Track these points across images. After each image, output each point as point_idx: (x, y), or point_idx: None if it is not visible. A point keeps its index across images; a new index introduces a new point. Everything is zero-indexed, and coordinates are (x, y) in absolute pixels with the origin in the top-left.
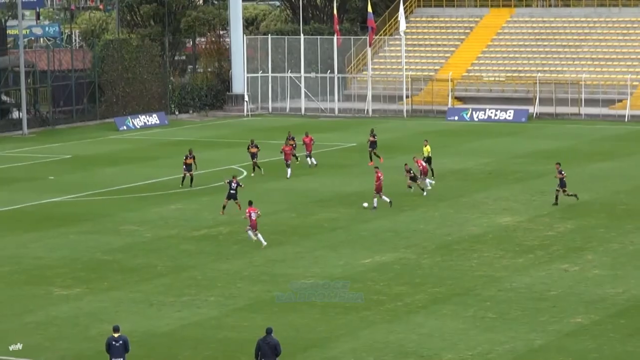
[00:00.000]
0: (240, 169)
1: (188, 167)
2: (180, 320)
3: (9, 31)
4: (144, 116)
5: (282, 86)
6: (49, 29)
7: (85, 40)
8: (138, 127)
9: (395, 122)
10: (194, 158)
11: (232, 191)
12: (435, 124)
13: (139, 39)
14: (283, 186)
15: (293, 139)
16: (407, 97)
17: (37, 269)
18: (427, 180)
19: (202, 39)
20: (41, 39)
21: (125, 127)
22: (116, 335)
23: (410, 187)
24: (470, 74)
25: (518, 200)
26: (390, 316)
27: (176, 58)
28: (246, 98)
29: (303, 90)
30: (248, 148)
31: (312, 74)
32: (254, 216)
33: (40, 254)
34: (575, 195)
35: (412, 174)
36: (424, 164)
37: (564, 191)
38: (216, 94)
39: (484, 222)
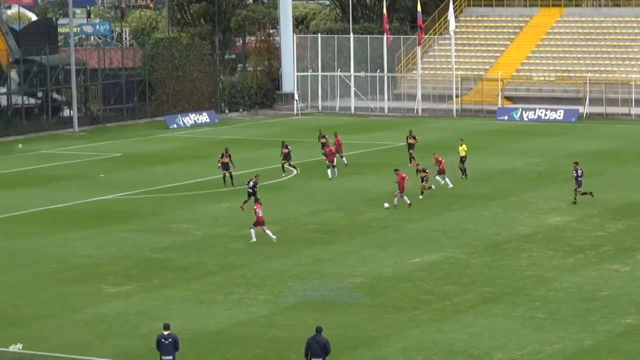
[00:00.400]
0: (291, 168)
1: (225, 166)
2: (230, 319)
3: (60, 29)
4: (194, 114)
5: (331, 85)
6: (99, 27)
7: (135, 39)
8: (188, 125)
9: (444, 121)
10: (229, 157)
11: (249, 190)
12: (484, 124)
13: (189, 38)
14: (331, 185)
15: (325, 136)
16: (456, 96)
17: (87, 267)
18: (447, 179)
19: (252, 38)
20: (92, 37)
21: (175, 126)
22: (166, 333)
23: (430, 187)
24: (520, 74)
25: (567, 200)
26: (439, 316)
27: (226, 57)
28: (296, 97)
29: (353, 89)
30: (281, 150)
31: (362, 73)
32: (260, 213)
33: (90, 252)
34: (591, 193)
35: (425, 173)
36: (442, 161)
37: (578, 190)
38: (266, 93)
39: (534, 222)
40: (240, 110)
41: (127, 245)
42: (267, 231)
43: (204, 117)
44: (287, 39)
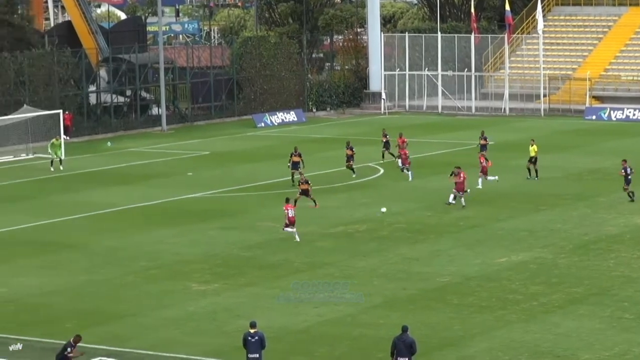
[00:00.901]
0: (377, 167)
1: (294, 165)
2: (316, 317)
3: (149, 28)
4: (281, 113)
5: (419, 84)
6: (188, 26)
7: (224, 37)
8: (276, 124)
9: (532, 121)
10: (300, 155)
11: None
12: (572, 123)
13: (277, 37)
14: (418, 184)
15: (386, 135)
16: (544, 95)
17: (175, 265)
18: (489, 178)
19: (340, 37)
20: (180, 36)
21: (263, 124)
22: (253, 331)
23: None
24: (609, 73)
25: None
26: (526, 315)
27: (314, 55)
28: (383, 96)
29: (440, 88)
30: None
31: (449, 72)
32: (291, 213)
33: (178, 250)
34: (631, 194)
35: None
36: (485, 162)
37: (625, 189)
38: (353, 92)
39: (622, 222)
40: (328, 109)
41: (216, 243)
42: (294, 232)
43: (291, 116)
44: (375, 38)
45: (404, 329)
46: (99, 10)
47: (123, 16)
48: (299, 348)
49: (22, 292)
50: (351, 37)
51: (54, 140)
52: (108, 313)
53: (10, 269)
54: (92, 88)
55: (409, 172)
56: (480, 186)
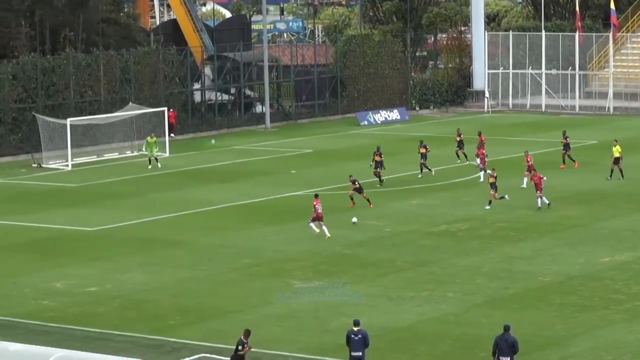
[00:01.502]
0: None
1: (378, 165)
2: (419, 316)
3: (253, 26)
4: (384, 111)
5: (522, 82)
6: (292, 24)
7: (327, 36)
8: (379, 122)
9: (636, 120)
10: (381, 155)
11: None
12: None
13: (381, 35)
14: (520, 183)
15: (460, 134)
16: None
17: (278, 262)
18: (525, 179)
19: (444, 35)
20: (285, 34)
21: (366, 122)
22: (356, 329)
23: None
24: None
25: None
26: (629, 315)
27: (417, 54)
28: (487, 94)
29: (544, 87)
30: (418, 149)
31: (553, 71)
32: (319, 209)
33: (280, 247)
34: None
35: (493, 179)
36: (530, 162)
37: None
38: (457, 90)
39: None
40: (431, 107)
41: (319, 241)
42: (324, 227)
43: (394, 114)
44: (479, 37)
45: (506, 328)
46: (204, 9)
47: (228, 14)
48: (401, 346)
49: (126, 288)
50: (455, 35)
51: (148, 138)
52: (211, 310)
53: (116, 265)
54: (197, 86)
55: (481, 173)
56: (524, 185)
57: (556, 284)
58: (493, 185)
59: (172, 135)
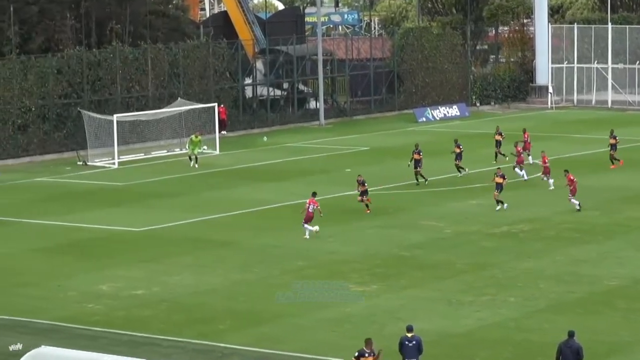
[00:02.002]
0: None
1: (416, 163)
2: (479, 321)
3: (307, 18)
4: (443, 107)
5: (587, 77)
6: (347, 16)
7: (384, 28)
8: (437, 118)
9: None
10: (420, 153)
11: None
12: None
13: (440, 27)
14: (586, 183)
15: (500, 134)
16: None
17: (332, 264)
18: (550, 180)
19: (505, 28)
20: (340, 27)
21: (424, 119)
22: (410, 335)
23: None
24: None
25: None
26: None
27: (478, 47)
28: (550, 89)
29: (610, 81)
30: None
31: (620, 65)
32: (311, 209)
33: (335, 249)
34: None
35: (502, 179)
36: (547, 162)
37: None
38: (519, 85)
39: None
40: (492, 103)
41: (374, 242)
42: (313, 228)
43: (454, 110)
44: (542, 29)
45: (571, 334)
46: (255, 1)
47: (280, 6)
48: (459, 352)
49: (175, 291)
50: (517, 28)
51: (192, 136)
52: (263, 313)
53: (164, 267)
54: (248, 81)
55: (521, 172)
56: (551, 187)
57: (622, 288)
58: (499, 186)
59: (222, 132)
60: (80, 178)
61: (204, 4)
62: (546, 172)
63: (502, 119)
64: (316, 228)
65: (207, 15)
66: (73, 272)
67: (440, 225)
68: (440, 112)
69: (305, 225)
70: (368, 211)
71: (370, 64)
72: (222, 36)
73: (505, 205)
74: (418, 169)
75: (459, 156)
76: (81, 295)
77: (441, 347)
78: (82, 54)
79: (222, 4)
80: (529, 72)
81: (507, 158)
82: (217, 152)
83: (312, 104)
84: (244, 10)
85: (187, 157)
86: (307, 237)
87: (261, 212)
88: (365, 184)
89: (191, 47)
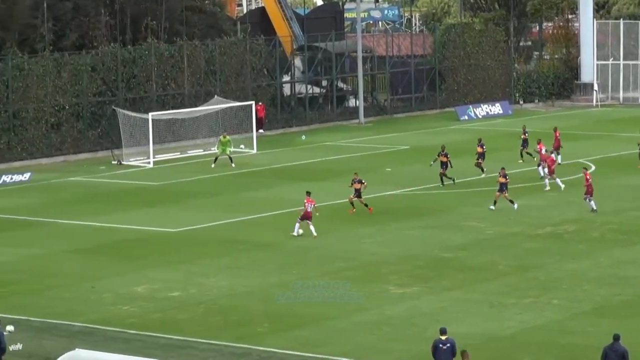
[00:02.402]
0: (589, 163)
1: (443, 165)
2: (522, 324)
3: (346, 14)
4: (486, 105)
5: (634, 74)
6: (388, 12)
7: (425, 24)
8: (480, 116)
9: None
10: (447, 156)
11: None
12: None
13: (482, 23)
14: (632, 183)
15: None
16: None
17: (372, 266)
18: (558, 180)
19: (549, 24)
20: (380, 23)
21: (466, 117)
22: (444, 337)
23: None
24: None
25: None
26: None
27: (521, 44)
28: (595, 87)
29: None
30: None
31: None
32: (309, 208)
33: (375, 250)
34: None
35: (505, 179)
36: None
37: None
38: (563, 83)
39: None
40: (536, 101)
41: (416, 244)
42: (311, 227)
43: (496, 108)
44: (587, 25)
45: (616, 338)
46: None
47: (319, 2)
48: (502, 356)
49: (212, 293)
50: (562, 24)
51: (221, 137)
52: (302, 316)
53: (201, 268)
54: (286, 78)
55: (544, 170)
56: (562, 187)
57: None
58: (504, 186)
59: (260, 130)
60: (115, 178)
61: (241, 0)
62: (550, 172)
63: (545, 117)
64: (314, 232)
65: (245, 11)
66: (108, 273)
67: (482, 226)
68: (483, 110)
69: (297, 225)
70: (370, 210)
71: (411, 61)
72: (259, 33)
73: (515, 205)
74: (443, 170)
75: (481, 156)
76: (116, 297)
77: (484, 351)
78: (117, 50)
79: (259, 0)
80: (574, 69)
81: (535, 158)
82: (255, 151)
83: (352, 102)
84: (282, 6)
85: (214, 158)
86: (295, 234)
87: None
88: (362, 183)
89: (228, 44)
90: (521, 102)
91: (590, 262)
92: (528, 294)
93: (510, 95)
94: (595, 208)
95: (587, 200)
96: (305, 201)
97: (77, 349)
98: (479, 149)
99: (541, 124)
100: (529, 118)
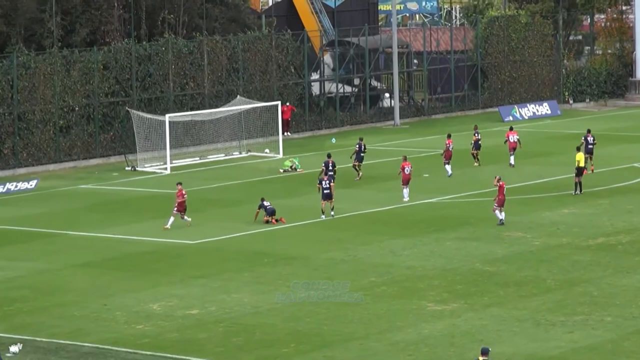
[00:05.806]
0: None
1: (476, 144)
2: (571, 343)
3: (380, 7)
4: (532, 105)
5: None
6: (425, 4)
7: (466, 17)
8: (526, 117)
9: None
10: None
11: (325, 191)
12: None
13: (529, 16)
14: None
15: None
16: None
17: (408, 280)
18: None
19: (602, 16)
20: (417, 16)
21: (511, 118)
22: (485, 358)
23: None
24: None
25: None
26: None
27: (571, 38)
28: None
29: None
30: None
31: None
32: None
33: (411, 263)
34: None
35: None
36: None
37: None
38: (617, 80)
39: None
40: (587, 100)
41: (455, 256)
42: (186, 218)
43: (544, 108)
44: None
45: None
46: None
47: None
48: None
49: (233, 310)
50: (615, 16)
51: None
52: (331, 335)
53: (221, 284)
54: (315, 76)
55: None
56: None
57: None
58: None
59: (286, 133)
60: (129, 185)
61: None
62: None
63: (597, 118)
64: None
65: (270, 3)
66: (120, 290)
67: (527, 237)
68: (529, 110)
69: (172, 217)
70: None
71: (451, 57)
72: (286, 27)
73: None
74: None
75: (476, 145)
76: (129, 316)
77: None
78: (131, 47)
79: None
80: (628, 65)
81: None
82: (281, 155)
83: (386, 102)
84: None
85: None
86: (168, 227)
87: (328, 222)
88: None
89: (252, 39)
90: (571, 102)
91: None
92: (578, 310)
93: (558, 94)
94: (502, 219)
95: (497, 211)
96: (177, 192)
97: None
98: (474, 137)
99: (593, 125)
100: (579, 119)
